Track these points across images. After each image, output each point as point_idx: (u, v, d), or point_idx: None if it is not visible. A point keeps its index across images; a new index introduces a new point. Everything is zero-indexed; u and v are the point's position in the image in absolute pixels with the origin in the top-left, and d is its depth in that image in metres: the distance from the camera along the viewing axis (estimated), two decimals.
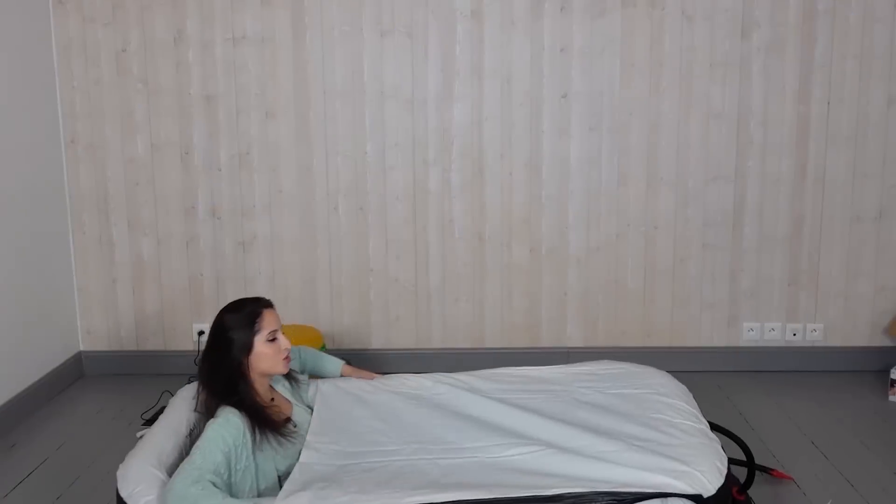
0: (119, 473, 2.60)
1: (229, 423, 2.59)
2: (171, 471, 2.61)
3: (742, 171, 4.45)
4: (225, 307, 2.83)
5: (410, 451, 2.78)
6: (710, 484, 2.48)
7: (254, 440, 2.62)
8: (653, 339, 4.61)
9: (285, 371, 2.83)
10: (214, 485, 2.45)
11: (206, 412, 2.74)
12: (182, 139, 4.47)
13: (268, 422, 2.70)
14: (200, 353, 2.81)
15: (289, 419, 2.84)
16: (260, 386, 2.79)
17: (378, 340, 4.62)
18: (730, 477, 2.65)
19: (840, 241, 4.49)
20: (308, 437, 2.80)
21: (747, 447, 3.03)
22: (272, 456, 2.68)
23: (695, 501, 2.44)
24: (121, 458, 2.71)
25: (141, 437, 2.85)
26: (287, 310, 4.58)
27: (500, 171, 4.48)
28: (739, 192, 4.46)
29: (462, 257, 4.55)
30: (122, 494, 2.51)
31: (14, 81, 4.06)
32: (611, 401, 3.04)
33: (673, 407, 2.97)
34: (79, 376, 4.62)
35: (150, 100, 4.45)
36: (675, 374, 3.40)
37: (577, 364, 3.43)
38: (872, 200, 4.45)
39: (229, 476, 2.56)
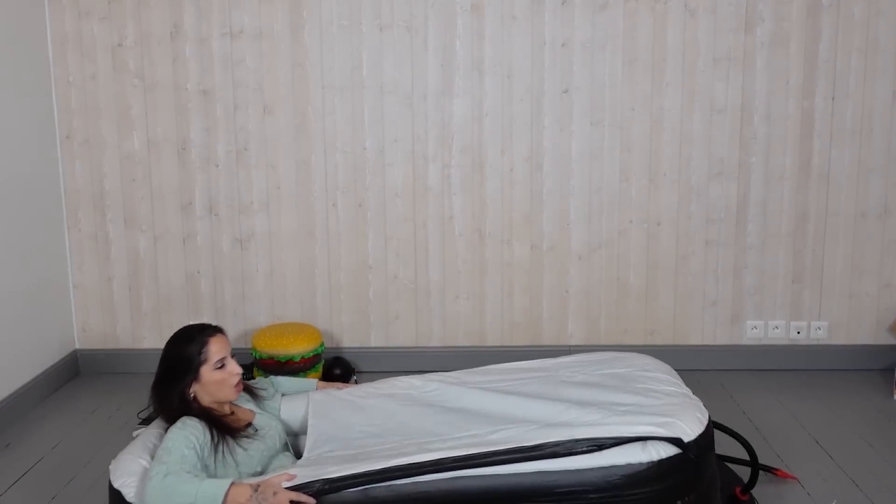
0: (111, 468, 2.63)
1: (186, 425, 2.61)
2: None
3: (745, 166, 4.44)
4: (172, 336, 2.84)
5: (403, 448, 2.79)
6: (690, 430, 2.53)
7: (213, 443, 2.63)
8: (655, 337, 4.60)
9: (235, 398, 2.81)
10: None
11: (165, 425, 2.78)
12: (179, 135, 4.46)
13: (225, 427, 2.71)
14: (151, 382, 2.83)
15: (249, 424, 2.85)
16: (216, 406, 2.80)
17: (377, 338, 4.61)
18: (709, 425, 2.69)
19: (845, 237, 4.48)
20: (305, 454, 2.82)
21: (751, 446, 3.02)
22: (234, 461, 2.67)
23: (675, 446, 2.48)
24: (109, 466, 2.73)
25: (137, 436, 2.84)
26: (285, 307, 4.58)
27: (501, 167, 4.47)
28: (743, 188, 4.45)
29: (462, 254, 4.55)
30: (116, 485, 2.53)
31: (8, 76, 4.04)
32: (596, 380, 3.09)
33: (656, 379, 3.03)
34: (74, 375, 4.61)
35: (147, 95, 4.44)
36: (677, 371, 3.40)
37: (565, 357, 3.46)
38: (877, 196, 4.44)
39: (204, 469, 2.57)
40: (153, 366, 4.53)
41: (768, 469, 3.30)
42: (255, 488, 2.42)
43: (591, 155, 4.46)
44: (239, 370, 2.78)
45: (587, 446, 2.47)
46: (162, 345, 4.56)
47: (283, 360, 4.08)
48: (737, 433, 3.10)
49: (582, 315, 4.59)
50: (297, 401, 3.14)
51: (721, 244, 4.51)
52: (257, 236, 4.54)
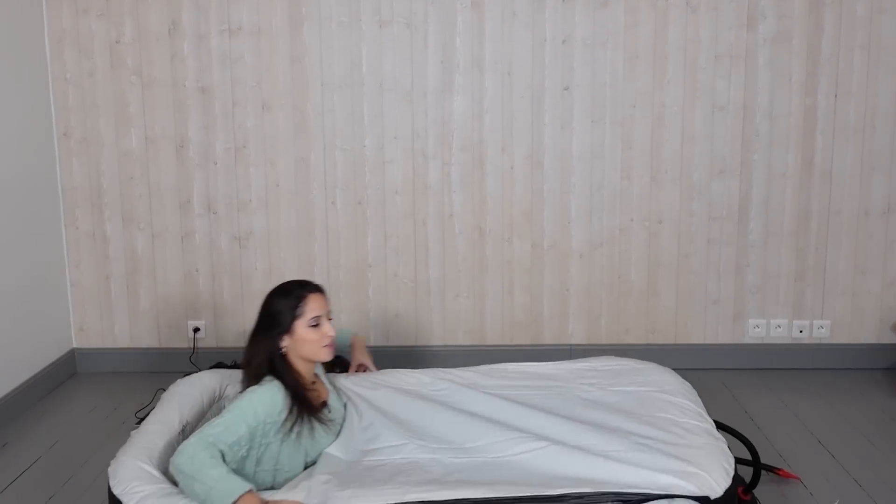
0: (110, 470, 2.59)
1: (268, 397, 2.60)
2: (163, 467, 2.61)
3: (747, 164, 4.43)
4: (272, 289, 2.82)
5: (412, 449, 2.77)
6: (717, 485, 2.46)
7: (288, 420, 2.63)
8: (657, 336, 4.59)
9: (327, 359, 2.80)
10: (224, 456, 2.48)
11: (247, 382, 2.75)
12: (177, 132, 4.46)
13: (306, 403, 2.70)
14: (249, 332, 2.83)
15: (325, 403, 2.84)
16: (303, 368, 2.79)
17: (377, 337, 4.60)
18: (735, 477, 2.64)
19: (847, 235, 4.47)
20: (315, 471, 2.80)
21: (753, 446, 3.02)
22: (302, 442, 2.67)
23: (701, 503, 2.43)
24: (107, 467, 2.71)
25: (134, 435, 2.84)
26: None
27: (501, 165, 4.46)
28: (745, 186, 4.45)
29: (462, 252, 4.54)
30: (115, 492, 2.50)
31: (6, 74, 4.04)
32: (614, 398, 3.02)
33: (677, 405, 2.95)
34: (72, 374, 4.61)
35: (145, 92, 4.43)
36: (679, 371, 3.39)
37: (579, 360, 3.41)
38: (880, 194, 4.43)
39: (249, 450, 2.57)
40: (151, 365, 4.58)
41: (770, 469, 3.29)
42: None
43: (591, 152, 4.45)
44: (332, 332, 2.75)
45: (612, 500, 2.41)
46: (159, 344, 4.60)
47: None
48: (739, 433, 3.10)
49: (583, 314, 4.59)
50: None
51: (723, 242, 4.50)
52: (256, 234, 4.53)
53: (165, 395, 3.07)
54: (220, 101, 4.43)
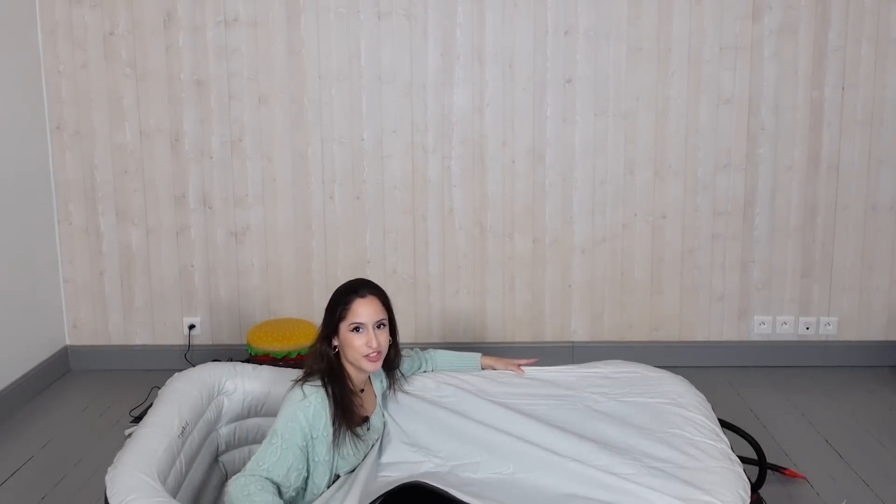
0: (108, 479, 2.54)
1: (311, 410, 2.53)
2: (164, 477, 2.56)
3: (753, 158, 4.42)
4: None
5: (428, 466, 2.73)
6: None
7: (333, 432, 2.57)
8: (660, 334, 4.58)
9: (369, 370, 2.68)
10: (280, 487, 2.47)
11: (306, 370, 2.69)
12: (172, 126, 4.44)
13: (347, 412, 2.61)
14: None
15: (367, 418, 2.75)
16: (353, 372, 2.69)
17: None
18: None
19: (855, 231, 4.46)
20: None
21: (758, 445, 3.01)
22: (333, 455, 2.61)
23: None
24: (109, 457, 2.68)
25: (129, 434, 2.80)
26: (281, 303, 4.56)
27: (502, 159, 4.45)
28: (750, 180, 4.44)
29: (462, 248, 4.53)
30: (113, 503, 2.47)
31: None
32: (626, 409, 2.97)
33: (691, 421, 2.90)
34: (65, 371, 4.60)
35: (139, 85, 4.42)
36: (683, 369, 3.37)
37: (588, 365, 3.35)
38: (888, 189, 4.42)
39: (308, 469, 2.55)
40: (146, 363, 4.57)
41: (776, 468, 3.29)
42: None
43: (594, 146, 4.44)
44: (374, 344, 2.62)
45: None
46: (154, 341, 4.60)
47: (278, 357, 4.06)
48: (744, 432, 3.09)
49: (585, 310, 4.58)
50: None
51: (728, 238, 4.49)
52: (252, 230, 4.52)
53: (162, 393, 3.04)
54: (215, 93, 4.42)
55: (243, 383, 3.08)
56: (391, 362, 2.86)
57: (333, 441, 2.57)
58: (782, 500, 3.13)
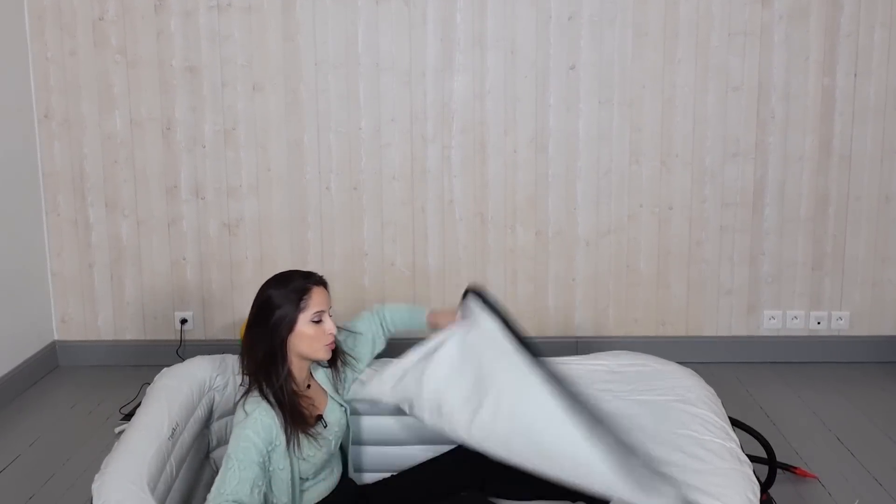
0: (94, 487, 2.51)
1: (259, 425, 2.52)
2: (153, 483, 2.53)
3: (762, 147, 4.41)
4: (271, 279, 2.73)
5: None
6: None
7: (285, 440, 2.56)
8: (667, 328, 4.57)
9: (326, 358, 2.71)
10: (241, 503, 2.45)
11: (246, 385, 2.68)
12: (163, 114, 4.43)
13: (298, 417, 2.61)
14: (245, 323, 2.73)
15: (320, 416, 2.74)
16: (297, 369, 2.69)
17: None
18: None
19: (867, 222, 4.45)
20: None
21: (768, 444, 3.00)
22: (291, 460, 2.60)
23: None
24: (98, 456, 2.67)
25: (119, 432, 2.79)
26: None
27: (504, 148, 4.44)
28: (760, 170, 4.42)
29: (463, 240, 4.52)
30: None
31: None
32: (633, 409, 2.96)
33: (700, 418, 2.88)
34: (53, 367, 4.59)
35: (130, 72, 4.40)
36: (691, 364, 3.34)
37: (594, 356, 3.33)
38: None
39: (269, 481, 2.53)
40: (137, 358, 4.55)
41: (787, 467, 3.28)
42: None
43: (599, 135, 4.42)
44: (334, 330, 2.67)
45: None
46: (144, 336, 4.58)
47: None
48: (753, 430, 3.08)
49: (589, 304, 4.57)
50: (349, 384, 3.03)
51: (737, 230, 4.48)
52: (246, 221, 4.51)
53: (150, 390, 3.02)
54: (208, 81, 4.40)
55: (233, 378, 3.07)
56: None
57: (288, 448, 2.56)
58: (793, 500, 3.12)
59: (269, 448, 2.52)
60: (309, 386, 2.75)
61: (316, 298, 2.65)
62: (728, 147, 4.41)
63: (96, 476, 2.49)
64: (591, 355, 3.29)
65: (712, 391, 3.06)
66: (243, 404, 2.58)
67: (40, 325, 4.51)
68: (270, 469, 2.53)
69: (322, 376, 2.85)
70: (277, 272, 2.75)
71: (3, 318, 4.14)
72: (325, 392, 2.82)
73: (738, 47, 4.34)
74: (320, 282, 2.71)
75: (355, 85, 4.40)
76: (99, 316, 4.60)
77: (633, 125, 4.41)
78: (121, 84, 4.42)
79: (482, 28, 4.36)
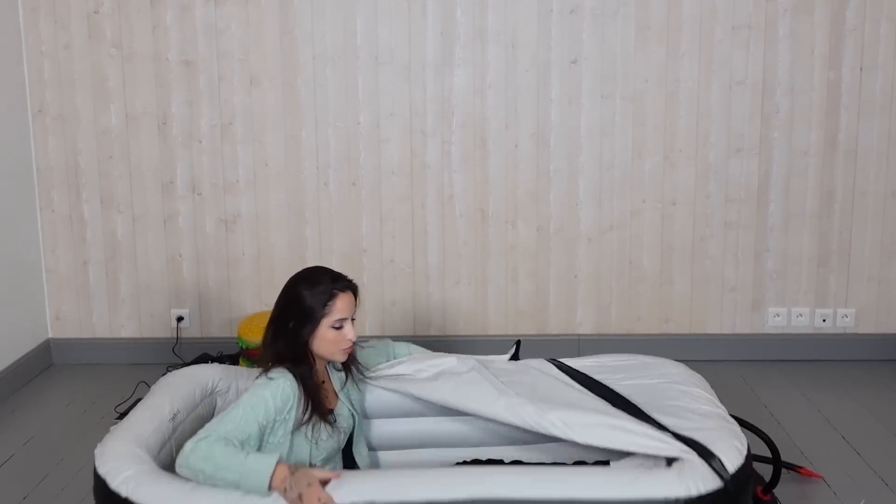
0: (97, 451, 2.59)
1: (279, 391, 2.57)
2: (153, 452, 2.61)
3: (767, 142, 4.40)
4: (300, 275, 2.77)
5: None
6: (729, 464, 2.49)
7: (298, 418, 2.60)
8: (670, 326, 4.57)
9: (342, 360, 2.78)
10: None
11: (262, 362, 2.72)
12: (159, 108, 4.42)
13: (318, 402, 2.68)
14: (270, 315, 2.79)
15: (332, 410, 2.80)
16: (317, 364, 2.76)
17: (372, 327, 4.58)
18: (754, 473, 2.63)
19: (873, 218, 4.44)
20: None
21: (773, 443, 3.00)
22: (309, 441, 2.65)
23: (719, 478, 2.46)
24: (93, 455, 2.69)
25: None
26: (273, 293, 4.51)
27: (505, 143, 4.43)
28: (764, 165, 4.42)
29: (463, 237, 4.51)
30: (101, 472, 2.50)
31: None
32: (626, 391, 3.03)
33: (689, 394, 2.98)
34: (47, 365, 4.59)
35: (125, 66, 4.39)
36: (694, 363, 3.37)
37: (585, 357, 3.39)
38: None
39: (259, 448, 2.54)
40: (132, 356, 4.55)
41: (792, 467, 3.27)
42: (293, 472, 2.38)
43: (601, 130, 4.42)
44: (353, 337, 2.72)
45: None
46: (140, 333, 4.57)
47: None
48: (758, 429, 3.07)
49: (592, 302, 4.56)
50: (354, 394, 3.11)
51: (741, 226, 4.47)
52: (243, 217, 4.50)
53: (155, 387, 3.06)
54: (205, 75, 4.39)
55: (237, 383, 3.11)
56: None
57: (306, 428, 2.62)
58: (798, 500, 3.12)
59: (279, 417, 2.56)
60: (324, 382, 2.82)
61: (340, 305, 2.69)
62: (732, 142, 4.40)
63: (98, 445, 2.61)
64: (583, 357, 3.35)
65: (701, 377, 3.15)
66: (267, 373, 2.63)
67: (34, 322, 4.51)
68: (266, 440, 2.57)
69: (335, 378, 2.91)
70: (308, 266, 2.82)
71: None
72: (337, 395, 2.89)
73: (742, 41, 4.33)
74: (348, 287, 2.74)
75: (354, 79, 4.39)
76: (94, 313, 4.60)
77: (636, 120, 4.40)
78: (116, 78, 4.41)
79: (483, 21, 4.35)
